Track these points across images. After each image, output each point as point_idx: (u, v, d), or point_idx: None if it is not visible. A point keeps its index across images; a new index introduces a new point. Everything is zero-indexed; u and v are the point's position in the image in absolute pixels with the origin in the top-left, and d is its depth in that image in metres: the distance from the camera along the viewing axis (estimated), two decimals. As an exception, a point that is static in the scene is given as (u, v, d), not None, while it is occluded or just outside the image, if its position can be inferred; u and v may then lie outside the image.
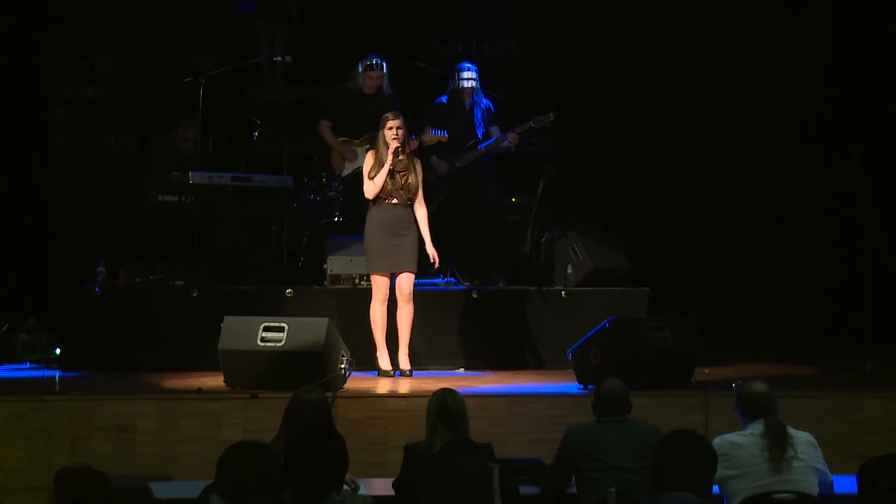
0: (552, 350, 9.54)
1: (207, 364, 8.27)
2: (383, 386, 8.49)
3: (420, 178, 8.76)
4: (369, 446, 7.40)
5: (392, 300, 8.79)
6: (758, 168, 11.12)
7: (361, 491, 5.55)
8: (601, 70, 11.34)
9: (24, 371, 9.16)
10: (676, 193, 11.20)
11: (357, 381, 8.23)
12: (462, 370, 9.39)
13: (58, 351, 9.33)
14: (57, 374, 8.38)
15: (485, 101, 10.19)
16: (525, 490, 5.99)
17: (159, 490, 5.94)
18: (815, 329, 10.62)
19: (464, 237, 10.18)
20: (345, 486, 4.55)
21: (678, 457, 4.37)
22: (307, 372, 7.49)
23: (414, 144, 9.19)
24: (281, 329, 7.99)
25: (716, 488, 5.14)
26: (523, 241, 10.38)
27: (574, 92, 11.14)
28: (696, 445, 4.44)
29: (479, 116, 10.12)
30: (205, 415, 7.50)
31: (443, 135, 9.79)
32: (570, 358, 8.53)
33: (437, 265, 9.03)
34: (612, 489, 5.47)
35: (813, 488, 5.53)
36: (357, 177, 9.24)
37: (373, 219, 8.78)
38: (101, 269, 9.54)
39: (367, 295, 8.97)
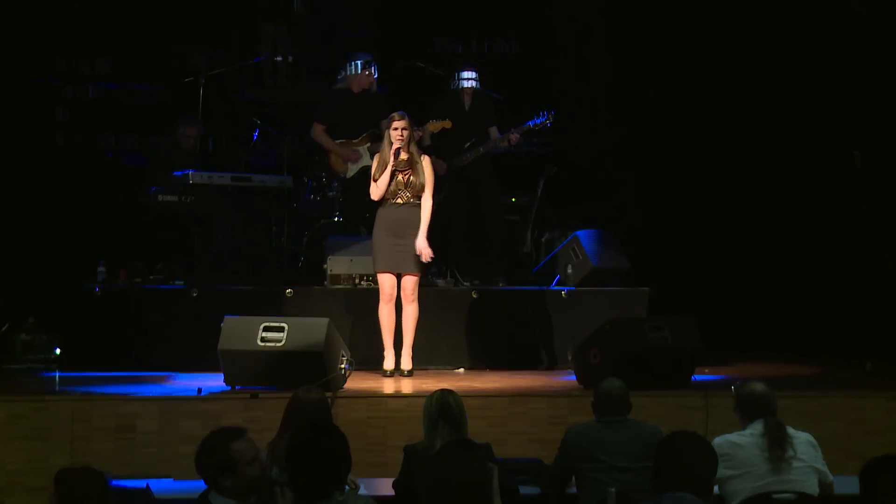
0: (552, 350, 9.55)
1: (207, 364, 8.27)
2: (383, 386, 8.49)
3: (427, 175, 8.69)
4: (369, 446, 7.38)
5: (399, 300, 8.80)
6: (758, 168, 11.11)
7: (361, 491, 5.55)
8: (601, 70, 11.34)
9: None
10: (677, 193, 11.19)
11: (357, 381, 8.22)
12: (462, 370, 9.40)
13: (58, 351, 9.34)
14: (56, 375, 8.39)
15: (485, 102, 10.20)
16: (525, 490, 6.00)
17: (159, 490, 5.93)
18: (816, 329, 10.60)
19: (464, 237, 10.17)
20: (345, 487, 4.55)
21: (679, 457, 4.37)
22: (307, 372, 7.48)
23: (417, 134, 9.16)
24: (281, 329, 7.98)
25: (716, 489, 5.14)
26: (523, 241, 10.38)
27: (574, 92, 11.14)
28: (697, 446, 4.44)
29: (479, 117, 10.13)
30: (205, 415, 7.48)
31: (445, 121, 9.79)
32: (570, 358, 8.53)
33: (423, 259, 8.71)
34: (612, 489, 5.47)
35: (813, 488, 5.53)
36: (362, 176, 9.22)
37: (378, 219, 8.79)
38: (101, 269, 9.55)
39: (366, 295, 8.96)
